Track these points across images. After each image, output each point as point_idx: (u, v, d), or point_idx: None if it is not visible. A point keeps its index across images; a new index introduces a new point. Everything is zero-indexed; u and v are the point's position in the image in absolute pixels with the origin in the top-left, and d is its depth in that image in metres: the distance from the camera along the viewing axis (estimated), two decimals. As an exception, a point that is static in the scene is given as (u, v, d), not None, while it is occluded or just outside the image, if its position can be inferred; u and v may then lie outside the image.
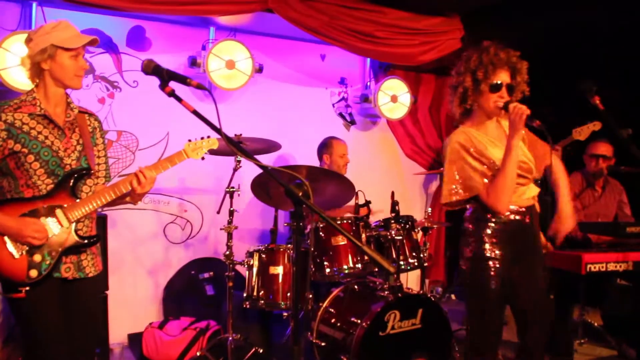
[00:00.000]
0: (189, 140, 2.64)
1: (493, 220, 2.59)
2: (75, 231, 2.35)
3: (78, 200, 2.35)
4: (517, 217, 2.60)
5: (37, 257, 2.24)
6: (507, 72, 2.57)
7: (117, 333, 4.15)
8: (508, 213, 2.58)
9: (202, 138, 2.68)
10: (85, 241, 2.38)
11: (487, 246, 2.58)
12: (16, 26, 3.90)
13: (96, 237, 2.44)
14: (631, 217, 4.44)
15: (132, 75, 4.40)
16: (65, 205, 2.32)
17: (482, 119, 2.65)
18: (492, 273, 2.57)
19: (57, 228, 2.29)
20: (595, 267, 3.68)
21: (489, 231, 2.59)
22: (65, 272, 2.34)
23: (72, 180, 2.34)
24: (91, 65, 4.25)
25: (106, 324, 3.78)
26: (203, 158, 2.67)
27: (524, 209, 2.62)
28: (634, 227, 3.84)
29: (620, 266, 3.75)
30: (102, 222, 3.79)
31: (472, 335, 2.71)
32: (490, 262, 2.57)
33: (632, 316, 4.19)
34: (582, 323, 4.37)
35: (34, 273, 2.23)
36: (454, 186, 2.59)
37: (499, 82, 2.54)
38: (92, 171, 2.43)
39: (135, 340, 4.19)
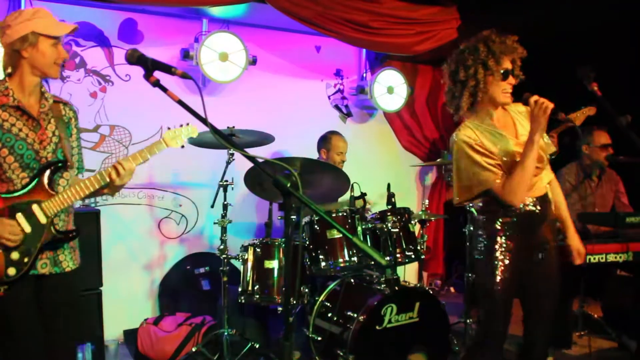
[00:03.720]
0: (169, 128, 2.55)
1: (505, 213, 2.55)
2: (53, 226, 2.27)
3: (55, 194, 2.26)
4: (529, 208, 2.56)
5: (15, 255, 2.16)
6: (509, 59, 2.54)
7: (112, 329, 4.10)
8: (521, 205, 2.54)
9: (181, 125, 2.57)
10: (66, 236, 2.32)
11: (498, 240, 2.56)
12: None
13: (75, 232, 2.37)
14: (629, 207, 4.39)
15: (124, 68, 4.33)
16: (42, 200, 2.23)
17: (489, 109, 2.60)
18: (501, 268, 2.54)
19: (34, 224, 2.20)
20: (595, 259, 3.64)
21: (499, 226, 2.57)
22: (41, 269, 2.26)
23: (47, 174, 2.25)
24: (82, 59, 4.20)
25: (101, 321, 3.73)
26: (183, 146, 2.57)
27: (536, 199, 2.58)
28: (633, 217, 3.79)
29: (620, 257, 3.70)
30: (95, 217, 3.74)
31: (479, 329, 2.69)
32: (500, 257, 2.55)
33: (633, 307, 4.14)
34: (581, 315, 4.33)
35: (12, 271, 2.15)
36: (466, 183, 2.55)
37: (506, 69, 2.51)
38: (69, 164, 2.34)
39: (130, 336, 4.16)
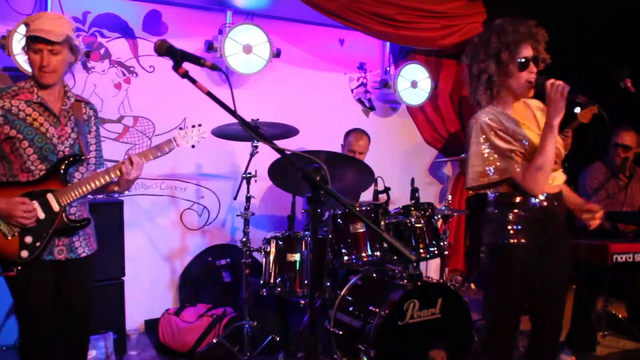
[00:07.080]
0: (180, 129, 2.70)
1: (519, 205, 2.47)
2: (67, 215, 2.42)
3: (69, 185, 2.41)
4: (545, 204, 2.48)
5: (28, 239, 2.32)
6: (529, 45, 2.43)
7: (134, 319, 4.15)
8: (535, 199, 2.46)
9: (192, 126, 2.73)
10: (77, 224, 2.47)
11: (511, 233, 2.47)
12: (31, 11, 3.86)
13: (86, 220, 2.52)
14: (659, 207, 4.31)
15: (148, 60, 4.35)
16: (57, 190, 2.39)
17: (508, 101, 2.52)
18: (514, 262, 2.47)
19: (48, 211, 2.36)
20: (622, 258, 3.59)
21: (512, 217, 2.48)
22: (58, 255, 2.44)
23: (63, 166, 2.42)
24: (107, 50, 4.22)
25: (122, 310, 3.78)
26: (193, 146, 2.74)
27: (552, 195, 2.50)
28: (663, 216, 3.73)
29: (648, 256, 3.64)
30: (118, 207, 3.77)
31: (490, 328, 2.62)
32: (513, 250, 2.47)
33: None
34: (605, 314, 4.26)
35: (24, 253, 2.31)
36: (482, 169, 2.45)
37: (526, 58, 2.41)
38: (84, 158, 2.51)
39: (151, 326, 4.19)
